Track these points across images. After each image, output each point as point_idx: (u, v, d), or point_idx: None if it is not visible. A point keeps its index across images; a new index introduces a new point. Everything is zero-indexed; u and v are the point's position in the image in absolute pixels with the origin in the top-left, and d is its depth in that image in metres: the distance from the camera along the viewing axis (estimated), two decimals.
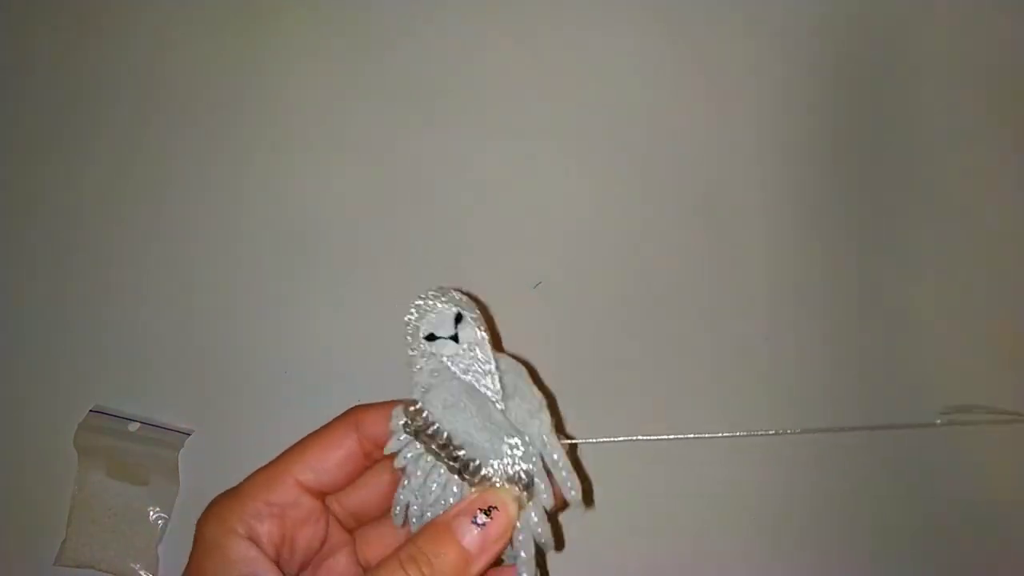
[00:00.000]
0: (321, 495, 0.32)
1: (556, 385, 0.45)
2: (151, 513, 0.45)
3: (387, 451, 0.31)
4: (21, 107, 0.50)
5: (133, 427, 0.46)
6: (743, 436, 0.40)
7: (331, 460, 0.31)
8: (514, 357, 0.32)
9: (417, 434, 0.30)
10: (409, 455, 0.31)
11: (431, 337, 0.31)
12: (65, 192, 0.49)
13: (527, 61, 0.49)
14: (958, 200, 0.48)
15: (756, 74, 0.49)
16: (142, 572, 0.44)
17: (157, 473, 0.45)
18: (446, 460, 0.30)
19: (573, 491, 0.30)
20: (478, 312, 0.31)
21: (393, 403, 0.31)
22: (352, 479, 0.32)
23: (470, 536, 0.28)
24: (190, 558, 0.31)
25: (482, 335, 0.30)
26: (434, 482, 0.30)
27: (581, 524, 0.44)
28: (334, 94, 0.49)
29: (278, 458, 0.32)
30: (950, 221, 0.48)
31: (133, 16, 0.50)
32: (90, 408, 0.46)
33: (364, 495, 0.34)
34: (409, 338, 0.31)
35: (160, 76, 0.50)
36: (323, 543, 0.33)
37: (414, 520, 0.30)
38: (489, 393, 0.30)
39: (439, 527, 0.28)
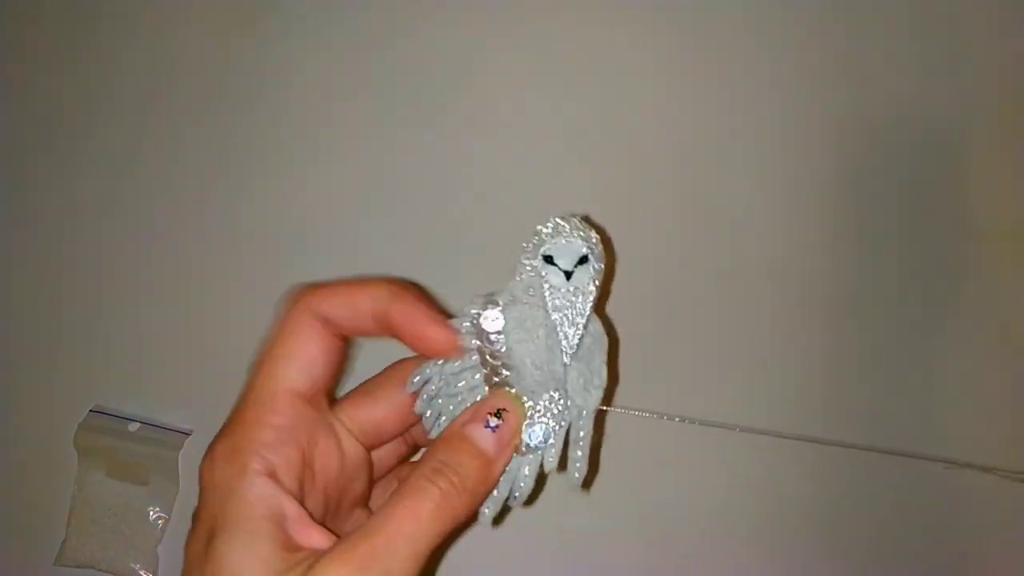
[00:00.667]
0: (319, 400, 0.29)
1: None
2: (151, 513, 0.45)
3: (453, 324, 0.30)
4: (21, 107, 0.50)
5: (133, 427, 0.46)
6: (761, 432, 0.39)
7: (311, 351, 0.28)
8: (608, 325, 0.30)
9: (480, 333, 0.29)
10: (465, 339, 0.30)
11: (548, 259, 0.29)
12: (65, 192, 0.49)
13: (527, 61, 0.49)
14: (963, 202, 0.48)
15: (756, 74, 0.49)
16: (142, 572, 0.44)
17: (157, 473, 0.45)
18: (488, 369, 0.29)
19: (578, 473, 0.29)
20: (603, 265, 0.29)
21: (340, 282, 0.29)
22: (339, 364, 0.30)
23: (485, 440, 0.27)
24: (199, 510, 0.28)
25: (592, 288, 0.29)
26: (464, 379, 0.29)
27: (580, 517, 0.44)
28: (334, 94, 0.49)
29: (255, 375, 0.29)
30: (954, 222, 0.48)
31: (132, 16, 0.50)
32: (90, 408, 0.46)
33: (378, 412, 0.31)
34: (529, 246, 0.30)
35: (159, 77, 0.50)
36: (342, 465, 0.30)
37: (424, 397, 0.29)
38: (564, 343, 0.29)
39: (454, 437, 0.27)
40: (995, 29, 0.49)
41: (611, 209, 0.48)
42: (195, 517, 0.28)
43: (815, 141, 0.48)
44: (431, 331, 0.29)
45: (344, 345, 0.30)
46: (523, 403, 0.28)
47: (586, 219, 0.30)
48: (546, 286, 0.29)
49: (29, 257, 0.48)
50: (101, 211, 0.49)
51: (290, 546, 0.25)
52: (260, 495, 0.26)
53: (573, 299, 0.29)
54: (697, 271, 0.47)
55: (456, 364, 0.29)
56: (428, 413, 0.29)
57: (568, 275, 0.29)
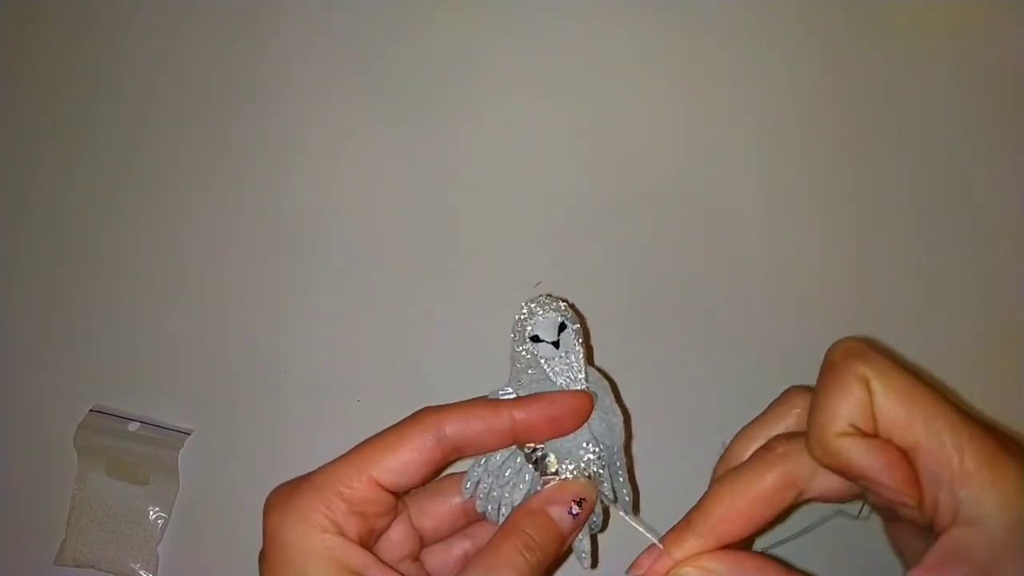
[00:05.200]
0: (395, 493, 0.32)
1: None
2: (151, 513, 0.45)
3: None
4: (21, 107, 0.50)
5: (133, 427, 0.46)
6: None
7: (410, 463, 0.31)
8: (601, 372, 0.34)
9: None
10: None
11: (535, 338, 0.33)
12: (65, 192, 0.49)
13: (528, 61, 0.49)
14: (959, 198, 0.48)
15: (756, 74, 0.49)
16: (142, 572, 0.44)
17: (157, 473, 0.45)
18: (523, 449, 0.32)
19: (627, 498, 0.34)
20: (579, 325, 0.34)
21: (466, 405, 0.32)
22: (427, 480, 0.32)
23: (567, 523, 0.31)
24: (268, 556, 0.29)
25: (579, 347, 0.33)
26: (509, 467, 0.32)
27: None
28: (334, 94, 0.49)
29: (351, 454, 0.32)
30: (951, 219, 0.48)
31: (132, 16, 0.50)
32: (90, 408, 0.46)
33: (443, 508, 0.35)
34: (515, 335, 0.34)
35: (160, 77, 0.50)
36: (394, 545, 0.33)
37: (481, 497, 0.33)
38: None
39: (542, 515, 0.31)
40: (995, 28, 0.49)
41: (611, 209, 0.48)
42: (263, 564, 0.30)
43: (816, 141, 0.48)
44: (567, 407, 0.32)
45: (448, 460, 0.32)
46: (596, 487, 0.32)
47: (548, 295, 0.34)
48: (542, 360, 0.33)
49: (29, 257, 0.49)
50: (101, 211, 0.49)
51: None
52: (340, 551, 0.29)
53: (568, 362, 0.33)
54: (697, 271, 0.47)
55: (497, 458, 0.33)
56: (489, 508, 0.32)
57: (555, 344, 0.33)
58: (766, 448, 0.31)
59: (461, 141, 0.49)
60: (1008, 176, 0.48)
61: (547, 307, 0.34)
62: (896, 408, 0.28)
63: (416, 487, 0.32)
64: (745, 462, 0.31)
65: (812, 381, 0.46)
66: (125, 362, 0.47)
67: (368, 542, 0.31)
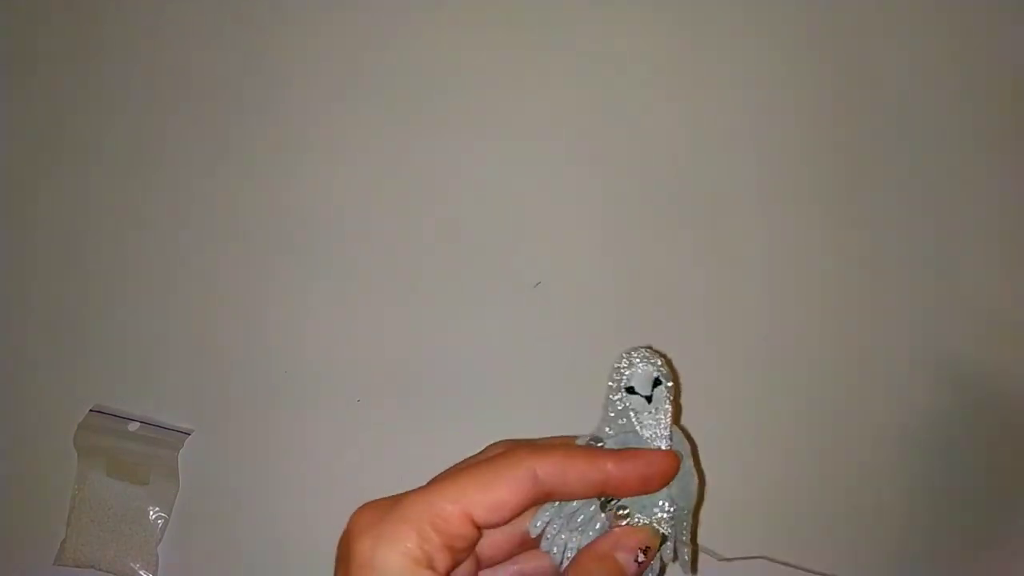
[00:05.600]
0: (482, 530, 0.32)
1: (554, 384, 0.46)
2: (151, 513, 0.45)
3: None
4: (23, 107, 0.50)
5: (133, 427, 0.46)
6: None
7: (505, 504, 0.30)
8: (684, 432, 0.35)
9: None
10: None
11: (630, 390, 0.34)
12: (65, 192, 0.49)
13: (527, 61, 0.49)
14: (959, 198, 0.48)
15: (756, 74, 0.49)
16: (142, 572, 0.44)
17: (157, 473, 0.45)
18: (602, 499, 0.33)
19: (688, 558, 0.35)
20: (673, 383, 0.35)
21: (561, 451, 0.32)
22: (520, 513, 0.32)
23: (631, 568, 0.32)
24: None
25: (668, 406, 0.34)
26: (582, 513, 0.33)
27: None
28: (334, 94, 0.49)
29: (445, 485, 0.30)
30: (951, 219, 0.48)
31: (133, 16, 0.50)
32: (90, 408, 0.46)
33: (499, 536, 0.34)
34: (612, 383, 0.35)
35: (161, 78, 0.50)
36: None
37: (548, 537, 0.33)
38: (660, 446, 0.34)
39: (610, 560, 0.32)
40: (995, 27, 0.49)
41: (611, 209, 0.48)
42: None
43: (815, 141, 0.48)
44: (659, 468, 0.33)
45: (537, 504, 0.32)
46: (659, 537, 0.33)
47: (649, 348, 0.35)
48: (632, 414, 0.34)
49: (29, 257, 0.48)
50: (101, 211, 0.49)
51: None
52: None
53: (656, 418, 0.34)
54: (697, 271, 0.47)
55: (574, 504, 0.33)
56: (555, 550, 0.33)
57: (648, 399, 0.34)
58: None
59: (461, 141, 0.49)
60: (1008, 176, 0.48)
61: (646, 360, 0.35)
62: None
63: (501, 526, 0.32)
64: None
65: (812, 381, 0.46)
66: (125, 362, 0.47)
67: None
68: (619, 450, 0.33)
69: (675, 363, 0.46)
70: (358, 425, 0.46)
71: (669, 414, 0.34)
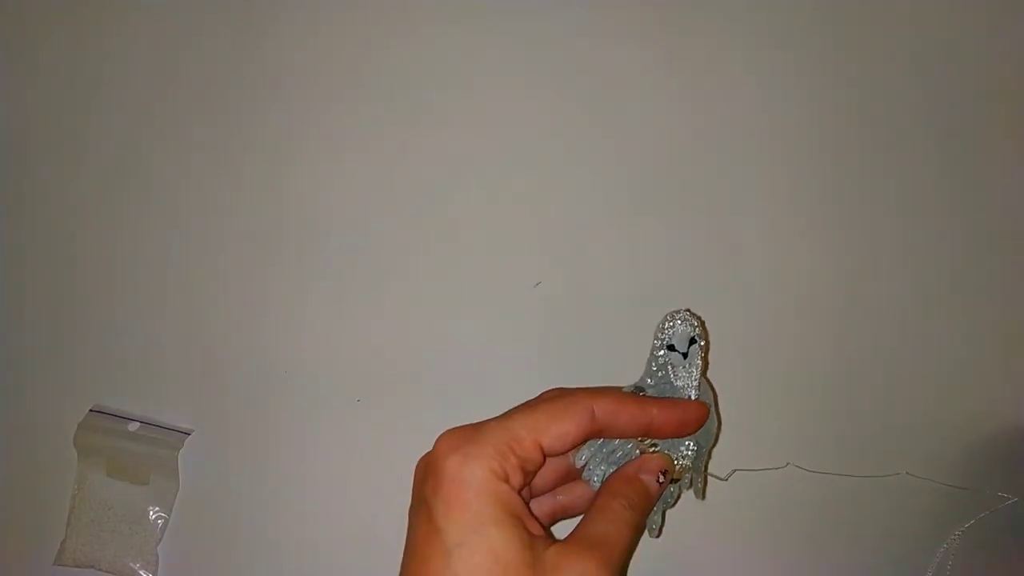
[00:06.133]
0: (546, 457, 0.36)
1: (554, 384, 0.45)
2: (151, 513, 0.45)
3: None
4: (22, 107, 0.50)
5: (133, 427, 0.46)
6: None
7: (567, 435, 0.35)
8: (709, 383, 0.41)
9: None
10: None
11: (671, 347, 0.40)
12: (65, 192, 0.49)
13: (527, 61, 0.49)
14: (959, 199, 0.48)
15: (756, 74, 0.49)
16: (142, 572, 0.44)
17: (157, 473, 0.45)
18: (638, 439, 0.38)
19: (703, 488, 0.41)
20: (705, 342, 0.40)
21: (615, 394, 0.37)
22: (576, 445, 0.37)
23: (654, 487, 0.38)
24: (445, 492, 0.33)
25: (699, 362, 0.40)
26: (619, 451, 0.38)
27: None
28: (334, 94, 0.49)
29: (520, 416, 0.35)
30: (950, 220, 0.48)
31: (133, 15, 0.50)
32: (90, 408, 0.46)
33: (547, 469, 0.39)
34: (657, 342, 0.40)
35: (161, 77, 0.50)
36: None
37: (589, 468, 0.38)
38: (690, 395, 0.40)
39: (637, 481, 0.37)
40: (995, 27, 0.49)
41: (611, 209, 0.48)
42: (421, 498, 0.34)
43: (815, 142, 0.48)
44: (695, 415, 0.39)
45: (591, 438, 0.37)
46: (673, 464, 0.39)
47: (688, 310, 0.40)
48: (669, 367, 0.39)
49: (29, 257, 0.49)
50: (101, 211, 0.49)
51: (530, 539, 0.33)
52: (507, 495, 0.33)
53: (689, 371, 0.39)
54: (697, 271, 0.47)
55: (615, 442, 0.38)
56: (595, 479, 0.38)
57: (684, 355, 0.39)
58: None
59: (461, 141, 0.49)
60: (1008, 176, 0.48)
61: (686, 322, 0.40)
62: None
63: (559, 455, 0.37)
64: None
65: (811, 381, 0.46)
66: (125, 362, 0.47)
67: (520, 494, 0.35)
68: (661, 398, 0.39)
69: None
70: (358, 425, 0.46)
71: (700, 368, 0.40)
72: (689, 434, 0.39)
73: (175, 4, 0.50)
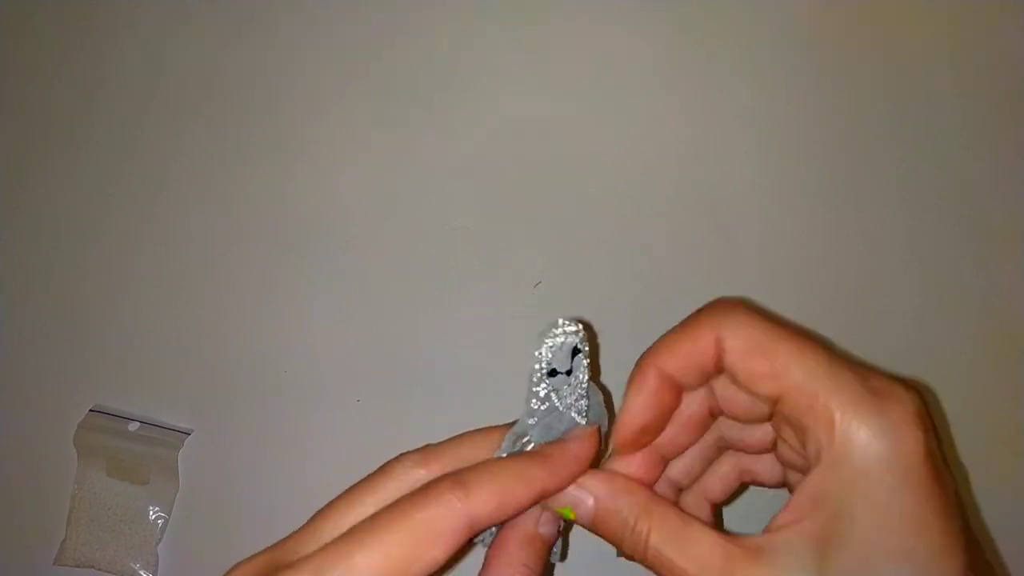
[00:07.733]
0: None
1: None
2: (151, 513, 0.45)
3: (496, 455, 0.33)
4: (22, 107, 0.50)
5: (133, 427, 0.46)
6: None
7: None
8: (598, 384, 0.36)
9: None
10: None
11: (552, 373, 0.33)
12: (65, 191, 0.49)
13: (527, 60, 0.49)
14: (959, 199, 0.48)
15: (756, 74, 0.49)
16: (142, 572, 0.44)
17: (157, 473, 0.45)
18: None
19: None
20: (588, 346, 0.34)
21: (481, 476, 0.31)
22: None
23: (552, 536, 0.33)
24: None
25: (583, 374, 0.34)
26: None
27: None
28: (334, 94, 0.49)
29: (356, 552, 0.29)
30: (950, 220, 0.48)
31: (133, 15, 0.50)
32: (90, 408, 0.46)
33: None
34: (537, 370, 0.33)
35: (159, 77, 0.50)
36: None
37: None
38: (578, 418, 0.34)
39: (534, 539, 0.33)
40: (995, 28, 0.49)
41: (612, 209, 0.48)
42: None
43: (815, 141, 0.48)
44: (581, 456, 0.33)
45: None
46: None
47: (562, 319, 0.33)
48: (553, 395, 0.33)
49: (29, 257, 0.49)
50: (101, 211, 0.49)
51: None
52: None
53: (574, 388, 0.33)
54: (697, 271, 0.47)
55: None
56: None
57: (568, 372, 0.33)
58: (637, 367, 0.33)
59: (461, 141, 0.49)
60: (1008, 176, 0.48)
61: (564, 334, 0.33)
62: (748, 362, 0.29)
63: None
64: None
65: None
66: (125, 362, 0.47)
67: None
68: (544, 454, 0.32)
69: None
70: (358, 425, 0.46)
71: (587, 376, 0.34)
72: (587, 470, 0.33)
73: (176, 4, 0.50)
